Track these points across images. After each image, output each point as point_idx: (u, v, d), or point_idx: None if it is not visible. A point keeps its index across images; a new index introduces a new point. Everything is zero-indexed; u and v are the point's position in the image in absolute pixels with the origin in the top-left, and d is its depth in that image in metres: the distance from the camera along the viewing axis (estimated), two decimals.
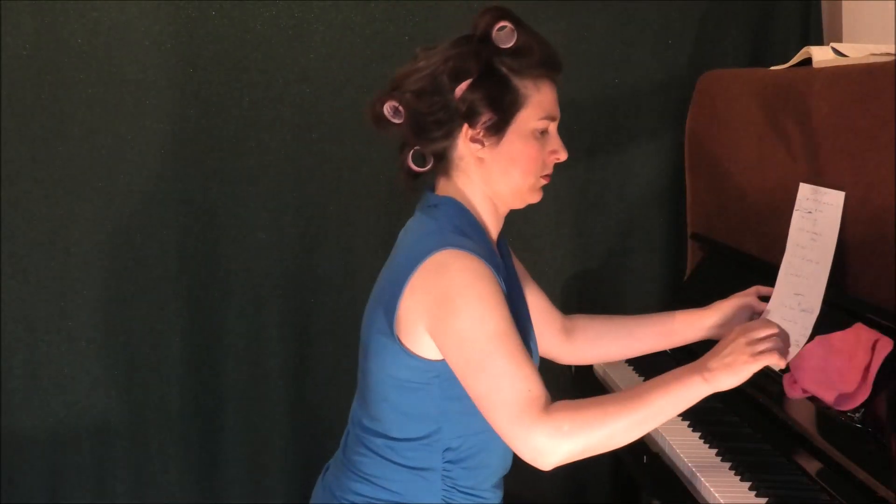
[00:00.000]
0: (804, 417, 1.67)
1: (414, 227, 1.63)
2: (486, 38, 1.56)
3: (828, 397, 1.62)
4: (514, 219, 2.61)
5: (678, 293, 2.52)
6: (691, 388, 1.45)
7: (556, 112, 1.62)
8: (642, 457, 1.82)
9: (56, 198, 2.46)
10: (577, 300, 2.70)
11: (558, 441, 1.42)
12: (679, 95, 2.61)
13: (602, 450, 1.45)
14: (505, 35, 1.55)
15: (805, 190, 1.89)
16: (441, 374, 1.54)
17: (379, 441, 1.61)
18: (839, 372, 1.61)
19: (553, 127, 1.62)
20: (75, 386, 2.52)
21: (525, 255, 2.66)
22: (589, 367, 2.36)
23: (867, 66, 1.80)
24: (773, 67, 2.21)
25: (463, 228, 1.58)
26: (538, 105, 1.58)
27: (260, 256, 2.55)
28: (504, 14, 1.56)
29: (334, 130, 2.54)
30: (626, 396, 1.46)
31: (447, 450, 1.58)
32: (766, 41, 2.66)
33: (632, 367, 2.25)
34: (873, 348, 1.58)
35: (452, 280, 1.49)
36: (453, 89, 1.55)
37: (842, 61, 1.96)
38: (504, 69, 1.56)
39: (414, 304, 1.52)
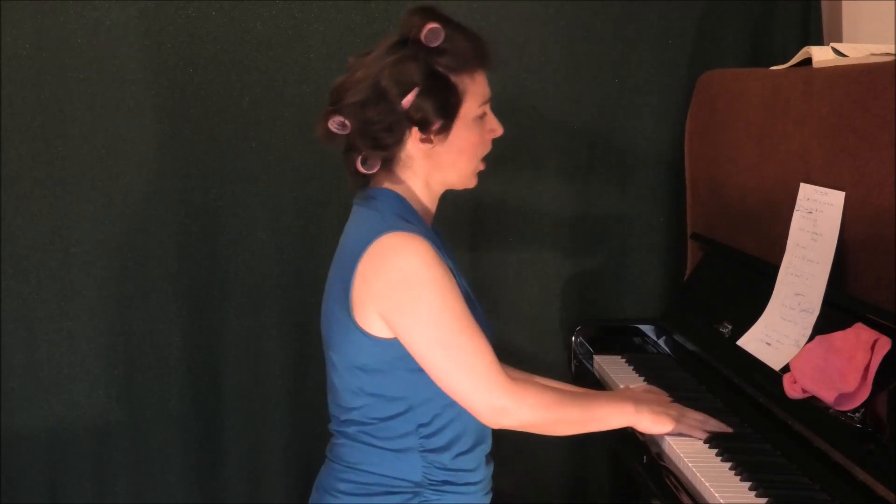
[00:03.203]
0: (804, 417, 1.68)
1: (356, 220, 1.69)
2: (417, 41, 1.60)
3: (828, 397, 1.62)
4: (514, 218, 2.65)
5: (678, 293, 2.52)
6: (622, 414, 1.70)
7: (489, 93, 1.69)
8: (642, 457, 1.82)
9: (56, 198, 2.45)
10: (578, 300, 2.70)
11: (520, 408, 1.59)
12: (679, 95, 2.61)
13: (544, 431, 1.64)
14: (434, 35, 1.59)
15: (805, 190, 1.89)
16: (401, 352, 1.59)
17: (354, 429, 1.67)
18: (839, 372, 1.61)
19: (488, 108, 1.69)
20: (75, 386, 2.52)
21: (525, 255, 2.68)
22: (587, 367, 2.37)
23: (867, 66, 1.80)
24: (773, 67, 2.21)
25: (403, 215, 1.64)
26: (476, 95, 1.65)
27: (260, 256, 2.55)
28: (430, 14, 1.61)
29: None
30: (579, 398, 1.69)
31: (420, 426, 1.64)
32: (766, 41, 2.66)
33: (632, 368, 2.25)
34: (873, 348, 1.58)
35: (406, 263, 1.56)
36: (399, 97, 1.59)
37: (842, 61, 1.96)
38: (442, 69, 1.61)
39: (365, 287, 1.58)
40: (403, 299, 1.56)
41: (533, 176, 2.63)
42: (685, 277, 2.51)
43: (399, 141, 1.63)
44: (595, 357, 2.37)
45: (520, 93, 2.60)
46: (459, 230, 2.62)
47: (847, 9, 2.58)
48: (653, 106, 2.65)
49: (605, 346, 2.42)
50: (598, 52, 2.61)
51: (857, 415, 1.57)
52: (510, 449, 2.65)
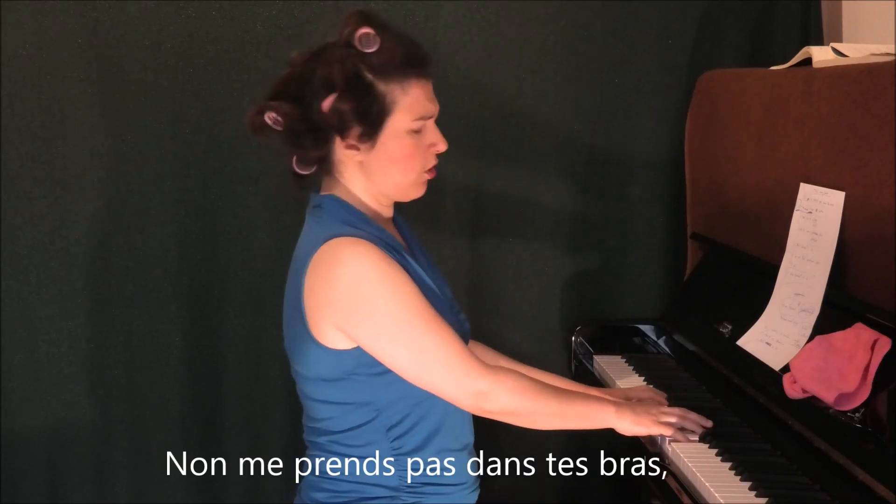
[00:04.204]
0: (804, 417, 1.68)
1: (304, 232, 1.68)
2: (349, 44, 1.58)
3: (828, 397, 1.62)
4: (514, 218, 2.65)
5: (678, 293, 2.52)
6: (603, 414, 1.69)
7: (430, 110, 1.63)
8: (642, 457, 1.81)
9: (56, 198, 2.45)
10: (578, 300, 2.70)
11: (499, 391, 1.58)
12: (679, 95, 2.61)
13: (524, 421, 1.63)
14: (367, 40, 1.57)
15: (805, 190, 1.89)
16: (361, 360, 1.58)
17: (324, 439, 1.66)
18: (839, 372, 1.61)
19: (430, 123, 1.63)
20: (75, 386, 2.52)
21: (525, 255, 2.68)
22: (587, 367, 2.37)
23: (867, 66, 1.80)
24: (773, 67, 2.21)
25: (347, 220, 1.62)
26: (408, 108, 1.59)
27: (260, 256, 2.55)
28: (365, 18, 1.58)
29: None
30: (560, 392, 1.68)
31: (390, 428, 1.63)
32: (766, 41, 2.66)
33: (631, 367, 2.25)
34: (873, 348, 1.58)
35: (351, 270, 1.54)
36: (320, 99, 1.57)
37: (842, 61, 1.96)
38: (370, 76, 1.57)
39: (315, 301, 1.57)
40: (356, 307, 1.54)
41: (533, 176, 2.63)
42: (685, 277, 2.51)
43: (321, 145, 1.60)
44: (595, 357, 2.37)
45: (520, 93, 2.60)
46: (459, 230, 2.62)
47: (847, 9, 2.58)
48: (653, 106, 2.65)
49: (605, 346, 2.42)
50: (598, 52, 2.61)
51: (857, 415, 1.57)
52: (510, 448, 2.65)
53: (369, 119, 1.57)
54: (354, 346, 1.57)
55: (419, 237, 1.85)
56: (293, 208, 2.55)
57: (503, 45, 2.57)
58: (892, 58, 1.82)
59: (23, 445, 2.50)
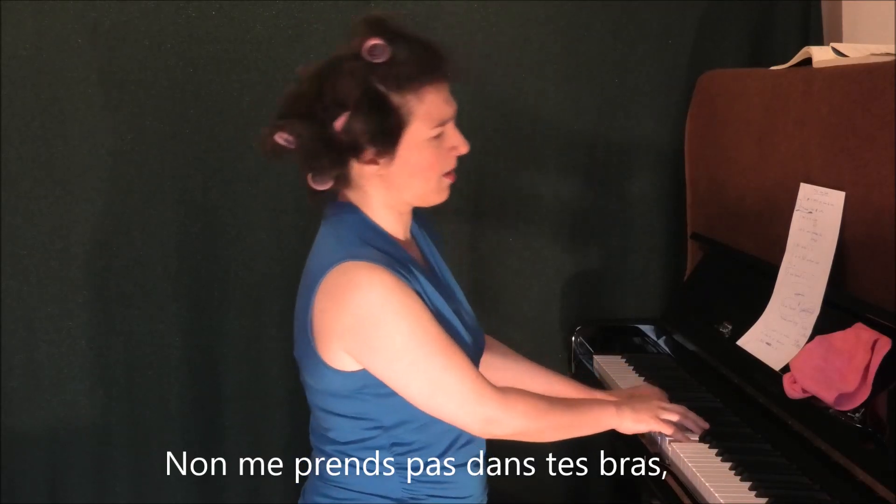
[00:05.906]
0: (804, 417, 1.68)
1: (319, 241, 1.62)
2: (358, 56, 1.50)
3: (828, 397, 1.63)
4: (513, 219, 2.65)
5: (678, 293, 2.52)
6: (605, 417, 1.69)
7: (447, 113, 1.55)
8: (643, 457, 1.81)
9: (56, 198, 2.45)
10: (578, 300, 2.70)
11: (510, 416, 1.57)
12: (679, 95, 2.61)
13: (532, 438, 1.62)
14: (377, 51, 1.48)
15: (805, 190, 1.89)
16: (368, 380, 1.55)
17: (330, 447, 1.64)
18: (839, 372, 1.61)
19: (449, 125, 1.57)
20: (75, 386, 2.52)
21: (525, 255, 2.68)
22: (587, 367, 2.37)
23: (867, 66, 1.80)
24: (773, 67, 2.21)
25: (364, 236, 1.56)
26: (426, 116, 1.52)
27: (260, 256, 2.55)
28: (372, 27, 1.49)
29: None
30: (566, 403, 1.68)
31: (394, 445, 1.60)
32: (766, 41, 2.66)
33: (632, 367, 2.25)
34: (873, 348, 1.58)
35: (366, 299, 1.48)
36: (332, 118, 1.49)
37: (842, 61, 1.96)
38: (382, 88, 1.49)
39: (326, 324, 1.53)
40: (370, 336, 1.50)
41: (533, 176, 2.63)
42: (685, 277, 2.51)
43: (339, 164, 1.52)
44: (595, 357, 2.37)
45: (520, 93, 2.60)
46: (459, 230, 2.62)
47: (847, 9, 2.58)
48: (653, 106, 2.65)
49: (605, 346, 2.42)
50: (598, 52, 2.61)
51: (857, 415, 1.57)
52: (510, 448, 2.65)
53: (385, 136, 1.50)
54: (361, 367, 1.54)
55: (441, 244, 1.79)
56: (293, 208, 2.55)
57: (503, 45, 2.57)
58: (892, 58, 1.82)
59: (23, 445, 2.51)
